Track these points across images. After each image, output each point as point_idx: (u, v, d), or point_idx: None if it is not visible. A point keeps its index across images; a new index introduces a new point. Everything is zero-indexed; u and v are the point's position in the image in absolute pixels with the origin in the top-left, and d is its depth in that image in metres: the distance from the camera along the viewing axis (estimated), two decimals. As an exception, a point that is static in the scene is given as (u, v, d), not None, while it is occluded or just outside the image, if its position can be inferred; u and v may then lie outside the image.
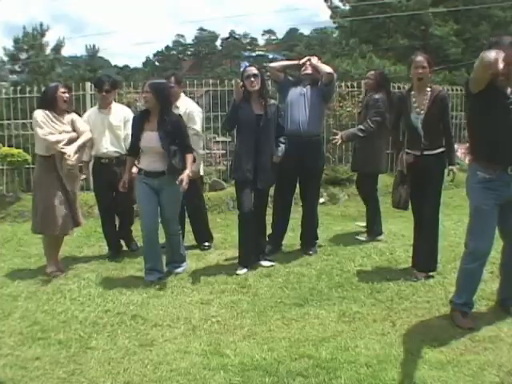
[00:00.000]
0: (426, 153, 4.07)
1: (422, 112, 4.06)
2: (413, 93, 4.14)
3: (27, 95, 7.92)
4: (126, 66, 62.05)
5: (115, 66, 56.19)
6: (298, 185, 5.09)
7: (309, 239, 5.07)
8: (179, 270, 4.51)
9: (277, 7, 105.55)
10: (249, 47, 67.55)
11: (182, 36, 68.44)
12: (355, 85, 8.58)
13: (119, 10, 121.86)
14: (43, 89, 5.04)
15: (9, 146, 7.56)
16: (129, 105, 7.57)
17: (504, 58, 2.89)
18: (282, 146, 4.63)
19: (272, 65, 5.04)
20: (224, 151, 9.06)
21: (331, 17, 22.37)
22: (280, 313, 3.63)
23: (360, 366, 2.85)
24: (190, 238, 5.38)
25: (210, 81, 8.78)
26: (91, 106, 8.06)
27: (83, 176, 5.06)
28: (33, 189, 4.76)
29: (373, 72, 5.61)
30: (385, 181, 6.27)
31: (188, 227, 5.36)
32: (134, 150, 4.36)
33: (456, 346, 3.07)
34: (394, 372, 2.77)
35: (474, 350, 3.03)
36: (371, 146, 5.29)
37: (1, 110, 8.22)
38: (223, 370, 2.84)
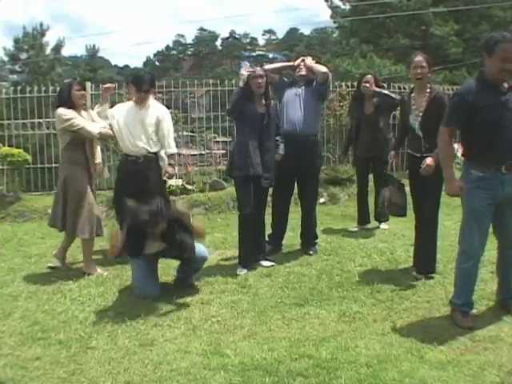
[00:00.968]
0: (426, 154, 4.05)
1: (420, 114, 4.07)
2: (413, 95, 4.15)
3: (27, 95, 7.93)
4: (126, 66, 62.08)
5: (115, 66, 56.25)
6: (296, 185, 5.10)
7: (308, 239, 5.07)
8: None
9: (277, 7, 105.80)
10: (249, 47, 67.56)
11: (182, 36, 68.54)
12: (355, 85, 8.56)
13: (119, 10, 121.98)
14: (58, 88, 5.08)
15: (9, 146, 7.56)
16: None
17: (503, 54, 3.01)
18: (282, 145, 4.68)
19: (267, 67, 4.99)
20: (224, 151, 9.07)
21: (331, 17, 22.38)
22: (280, 313, 3.63)
23: (360, 365, 2.84)
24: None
25: (210, 81, 8.79)
26: (91, 106, 8.09)
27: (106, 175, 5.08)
28: (61, 187, 4.55)
29: (369, 76, 5.89)
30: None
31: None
32: None
33: (456, 346, 3.07)
34: (394, 372, 2.77)
35: (474, 349, 3.03)
36: (377, 133, 5.68)
37: (1, 110, 8.23)
38: (223, 369, 2.84)
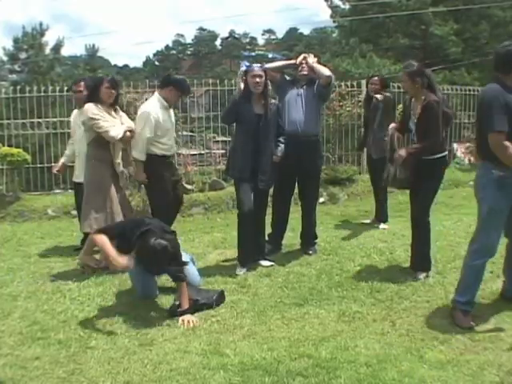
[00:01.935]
0: (423, 157, 4.07)
1: (415, 121, 4.14)
2: (413, 100, 4.22)
3: (27, 95, 7.93)
4: (126, 66, 62.11)
5: (115, 66, 56.21)
6: (297, 185, 5.09)
7: (308, 239, 5.07)
8: None
9: (277, 7, 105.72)
10: (249, 47, 67.53)
11: (182, 36, 68.50)
12: (355, 84, 8.57)
13: (119, 10, 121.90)
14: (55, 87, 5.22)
15: (8, 146, 7.56)
16: (128, 105, 7.59)
17: None
18: (282, 145, 4.62)
19: (268, 66, 4.94)
20: (224, 151, 9.06)
21: (331, 16, 22.35)
22: (280, 312, 3.63)
23: (360, 365, 2.84)
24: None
25: (210, 80, 8.79)
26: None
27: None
28: (87, 186, 4.60)
29: (376, 78, 6.06)
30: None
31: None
32: None
33: (456, 346, 3.07)
34: (394, 372, 2.77)
35: (474, 349, 3.03)
36: (383, 132, 5.65)
37: (0, 110, 8.22)
38: (223, 369, 2.84)
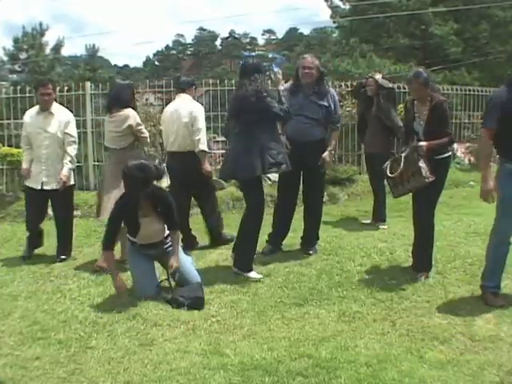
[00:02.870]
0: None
1: (421, 123, 4.13)
2: (415, 102, 4.21)
3: (27, 95, 7.91)
4: (126, 66, 62.15)
5: (115, 66, 56.22)
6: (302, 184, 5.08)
7: (310, 239, 5.05)
8: None
9: (277, 7, 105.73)
10: (249, 47, 67.51)
11: (182, 36, 68.58)
12: (355, 84, 8.56)
13: (119, 10, 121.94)
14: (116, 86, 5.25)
15: (8, 146, 7.56)
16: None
17: None
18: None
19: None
20: (224, 151, 9.05)
21: (331, 16, 22.40)
22: (280, 312, 3.63)
23: (360, 365, 2.84)
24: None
25: (210, 80, 8.78)
26: (91, 106, 8.09)
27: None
28: (112, 182, 4.64)
29: (371, 79, 6.10)
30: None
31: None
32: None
33: (456, 346, 3.07)
34: (394, 372, 2.77)
35: (474, 349, 3.03)
36: (380, 127, 5.87)
37: (1, 110, 8.21)
38: (223, 369, 2.84)
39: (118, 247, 4.74)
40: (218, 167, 8.20)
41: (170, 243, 4.07)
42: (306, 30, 69.71)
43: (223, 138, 8.95)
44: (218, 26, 69.56)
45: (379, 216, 6.04)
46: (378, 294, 3.91)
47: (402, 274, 4.30)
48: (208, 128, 9.59)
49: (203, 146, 5.04)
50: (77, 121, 7.91)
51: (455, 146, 9.72)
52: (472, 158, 9.48)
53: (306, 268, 4.53)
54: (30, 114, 4.98)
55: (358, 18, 20.04)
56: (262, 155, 4.22)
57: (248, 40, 68.41)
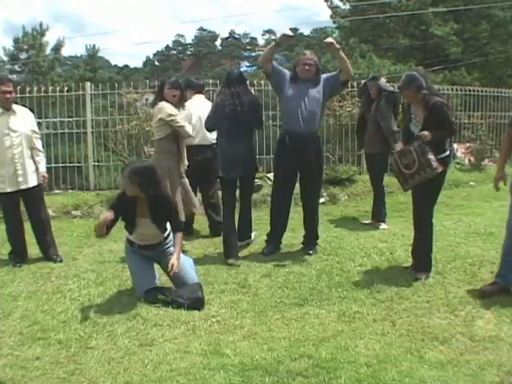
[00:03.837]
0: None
1: (417, 124, 4.13)
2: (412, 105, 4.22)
3: (27, 95, 7.92)
4: (126, 66, 62.10)
5: (115, 66, 56.21)
6: (298, 183, 5.08)
7: (310, 239, 5.05)
8: None
9: (277, 7, 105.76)
10: (249, 47, 67.62)
11: (182, 36, 68.67)
12: (355, 85, 8.57)
13: (119, 10, 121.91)
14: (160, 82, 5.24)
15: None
16: (128, 105, 7.61)
17: None
18: None
19: (260, 58, 4.97)
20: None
21: (331, 16, 22.35)
22: (280, 313, 3.63)
23: (360, 365, 2.85)
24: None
25: (210, 80, 8.77)
26: (91, 106, 8.10)
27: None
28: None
29: (373, 83, 6.10)
30: (385, 180, 6.26)
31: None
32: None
33: (456, 346, 3.07)
34: (394, 372, 2.77)
35: (474, 349, 3.03)
36: (379, 128, 5.88)
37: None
38: (223, 369, 2.84)
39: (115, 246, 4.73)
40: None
41: (169, 245, 4.04)
42: (306, 31, 69.77)
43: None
44: (217, 26, 69.78)
45: (379, 216, 6.05)
46: (377, 294, 3.91)
47: (401, 274, 4.30)
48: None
49: None
50: (77, 121, 8.05)
51: (455, 146, 9.73)
52: (472, 159, 9.48)
53: (305, 268, 4.53)
54: None
55: (358, 18, 20.02)
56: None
57: (248, 40, 68.49)
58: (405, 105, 4.32)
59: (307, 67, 4.74)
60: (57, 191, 7.83)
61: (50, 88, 8.29)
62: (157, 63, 66.82)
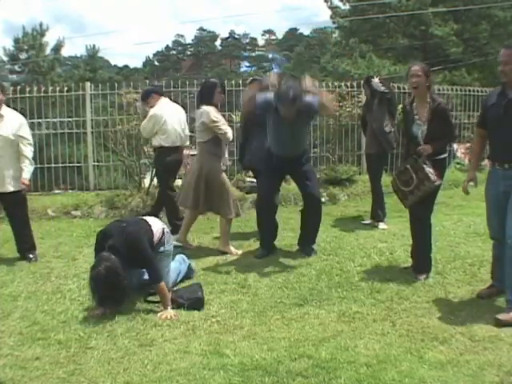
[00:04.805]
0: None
1: (422, 125, 4.08)
2: (414, 104, 4.16)
3: (27, 95, 7.92)
4: (126, 66, 62.06)
5: (115, 66, 56.20)
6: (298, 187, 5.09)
7: (306, 241, 5.01)
8: None
9: (277, 7, 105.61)
10: (249, 47, 67.61)
11: (182, 36, 68.61)
12: (355, 85, 8.57)
13: (119, 10, 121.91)
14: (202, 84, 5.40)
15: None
16: (128, 105, 7.60)
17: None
18: None
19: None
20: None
21: (331, 17, 22.33)
22: (280, 313, 3.63)
23: (360, 365, 2.84)
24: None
25: (210, 81, 8.77)
26: (91, 106, 8.10)
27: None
28: (197, 174, 5.00)
29: (366, 86, 6.19)
30: (385, 180, 6.26)
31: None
32: None
33: (455, 346, 3.07)
34: (394, 372, 2.77)
35: (474, 349, 3.03)
36: (374, 128, 5.92)
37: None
38: (223, 369, 2.84)
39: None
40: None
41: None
42: (306, 31, 69.67)
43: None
44: (217, 26, 69.79)
45: (378, 216, 6.05)
46: (377, 294, 3.91)
47: (401, 274, 4.30)
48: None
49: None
50: (77, 121, 8.06)
51: (455, 146, 9.74)
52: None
53: (305, 268, 4.53)
54: None
55: (358, 19, 20.00)
56: None
57: (248, 40, 68.46)
58: (407, 106, 4.26)
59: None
60: (57, 191, 7.83)
61: (50, 88, 8.30)
62: (157, 63, 66.77)
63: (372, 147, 6.03)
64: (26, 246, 5.04)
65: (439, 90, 9.72)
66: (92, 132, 8.05)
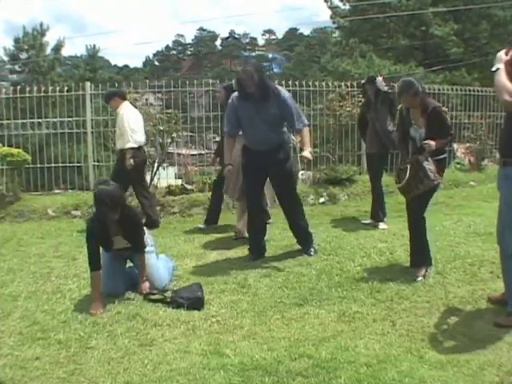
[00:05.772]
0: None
1: (417, 129, 4.17)
2: (410, 110, 4.25)
3: (27, 95, 7.92)
4: (126, 66, 62.15)
5: (115, 66, 56.23)
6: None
7: (303, 241, 5.01)
8: None
9: (277, 7, 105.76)
10: (249, 47, 67.63)
11: (182, 36, 68.72)
12: (355, 85, 8.57)
13: (119, 10, 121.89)
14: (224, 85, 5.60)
15: (9, 146, 7.56)
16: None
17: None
18: None
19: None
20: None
21: (331, 17, 22.34)
22: (280, 313, 3.63)
23: (360, 365, 2.84)
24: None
25: (210, 81, 8.79)
26: (91, 106, 8.10)
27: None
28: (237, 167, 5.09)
29: (368, 85, 6.13)
30: (385, 180, 6.26)
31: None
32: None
33: (456, 346, 3.07)
34: (394, 372, 2.77)
35: (474, 349, 3.03)
36: (376, 128, 5.92)
37: (1, 110, 8.22)
38: (223, 369, 2.84)
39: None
40: (218, 167, 8.24)
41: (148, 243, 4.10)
42: (306, 31, 69.91)
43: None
44: (217, 26, 69.84)
45: (378, 216, 6.05)
46: (377, 294, 3.90)
47: (401, 274, 4.30)
48: (208, 128, 9.64)
49: None
50: (77, 121, 8.06)
51: (455, 146, 9.73)
52: (472, 159, 9.48)
53: (305, 268, 4.53)
54: None
55: (358, 19, 20.01)
56: None
57: (248, 40, 68.50)
58: (404, 110, 4.33)
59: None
60: (57, 191, 7.84)
61: (50, 88, 8.30)
62: (157, 63, 66.84)
63: (373, 147, 6.03)
64: None
65: (439, 89, 9.72)
66: (92, 132, 8.05)
